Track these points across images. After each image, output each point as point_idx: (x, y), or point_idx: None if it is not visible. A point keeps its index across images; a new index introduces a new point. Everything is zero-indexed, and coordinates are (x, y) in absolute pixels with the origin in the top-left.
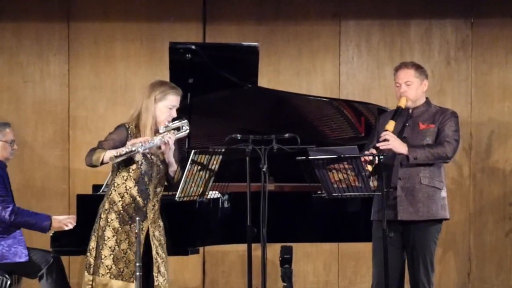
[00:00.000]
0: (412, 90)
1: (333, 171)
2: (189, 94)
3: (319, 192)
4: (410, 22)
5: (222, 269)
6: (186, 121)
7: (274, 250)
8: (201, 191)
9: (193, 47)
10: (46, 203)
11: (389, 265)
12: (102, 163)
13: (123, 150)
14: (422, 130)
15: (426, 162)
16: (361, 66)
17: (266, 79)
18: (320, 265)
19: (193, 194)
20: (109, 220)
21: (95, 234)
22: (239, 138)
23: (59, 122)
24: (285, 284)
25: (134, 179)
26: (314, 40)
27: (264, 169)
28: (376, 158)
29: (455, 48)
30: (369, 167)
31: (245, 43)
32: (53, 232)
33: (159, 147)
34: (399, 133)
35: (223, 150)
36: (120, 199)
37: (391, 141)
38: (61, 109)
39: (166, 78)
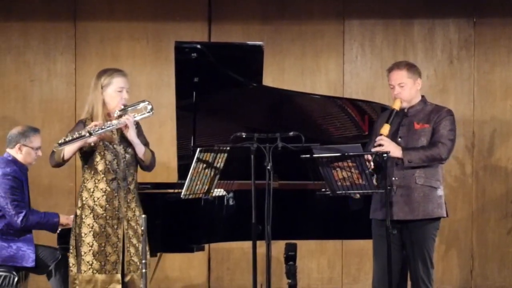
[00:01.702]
0: (406, 91)
1: (337, 169)
2: (194, 93)
3: (323, 189)
4: (413, 21)
5: (227, 266)
6: (146, 102)
7: (278, 247)
8: (206, 188)
9: (199, 46)
10: (53, 200)
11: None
12: (63, 159)
13: (68, 136)
14: (417, 130)
15: (421, 165)
16: (364, 65)
17: (271, 78)
18: (324, 262)
19: (198, 191)
20: (83, 216)
21: (73, 232)
22: (244, 136)
23: (65, 121)
24: (290, 281)
25: (100, 171)
26: (318, 39)
27: (268, 167)
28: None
29: (457, 47)
30: (371, 165)
31: (250, 43)
32: (60, 229)
33: (119, 131)
34: (394, 133)
35: (228, 148)
36: (91, 193)
37: (385, 146)
38: (67, 108)
39: (172, 77)
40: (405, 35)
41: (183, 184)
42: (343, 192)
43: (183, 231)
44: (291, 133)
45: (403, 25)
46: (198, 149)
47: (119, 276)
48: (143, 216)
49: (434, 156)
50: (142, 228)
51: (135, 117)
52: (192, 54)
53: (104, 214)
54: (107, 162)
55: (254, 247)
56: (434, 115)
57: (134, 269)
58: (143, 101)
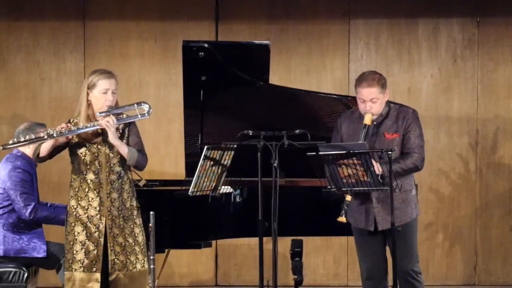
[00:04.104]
0: (377, 106)
1: (343, 166)
2: (202, 92)
3: (328, 187)
4: (418, 21)
5: (234, 262)
6: (142, 103)
7: (285, 243)
8: (213, 186)
9: (206, 45)
10: (62, 197)
11: (375, 259)
12: (38, 156)
13: (20, 138)
14: (388, 141)
15: (398, 177)
16: (370, 64)
17: (277, 77)
18: (330, 258)
19: (206, 188)
20: (68, 215)
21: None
22: (250, 134)
23: None
24: (296, 277)
25: (83, 171)
26: (324, 38)
27: (275, 165)
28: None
29: (461, 46)
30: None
31: (256, 42)
32: None
33: (102, 132)
34: None
35: (235, 145)
36: (76, 192)
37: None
38: (76, 106)
39: (180, 75)
40: (410, 35)
41: (191, 181)
42: (349, 189)
43: (190, 227)
44: (297, 131)
45: (408, 24)
46: (206, 147)
47: (98, 275)
48: (152, 212)
49: (410, 168)
50: (151, 224)
51: (121, 118)
52: (200, 53)
53: (86, 214)
54: (88, 162)
55: (261, 244)
56: (401, 122)
57: (120, 267)
58: (140, 103)
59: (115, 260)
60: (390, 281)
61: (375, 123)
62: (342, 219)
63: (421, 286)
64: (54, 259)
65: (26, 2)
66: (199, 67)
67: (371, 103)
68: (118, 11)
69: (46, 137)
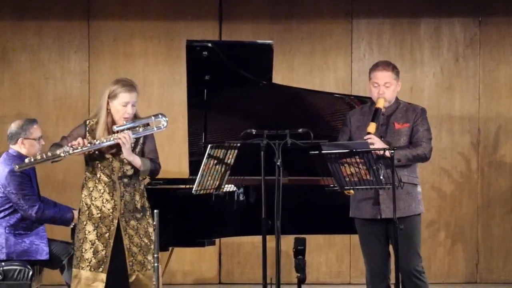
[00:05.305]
0: (390, 91)
1: (345, 165)
2: (205, 91)
3: (331, 185)
4: (420, 20)
5: (237, 260)
6: (160, 115)
7: (288, 241)
8: (217, 184)
9: (210, 45)
10: (66, 196)
11: (378, 256)
12: None
13: (32, 159)
14: (398, 130)
15: (407, 164)
16: (372, 63)
17: (280, 76)
18: (332, 257)
19: (209, 187)
20: (80, 213)
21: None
22: (254, 133)
23: (79, 118)
24: (299, 275)
25: (97, 174)
26: (327, 38)
27: (278, 163)
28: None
29: (463, 46)
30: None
31: (260, 41)
32: (73, 224)
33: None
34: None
35: (238, 144)
36: (90, 192)
37: (376, 145)
38: (81, 105)
39: (183, 75)
40: (412, 34)
41: (195, 180)
42: (351, 187)
43: (194, 226)
44: (300, 130)
45: (410, 24)
46: (209, 146)
47: (104, 275)
48: (156, 211)
49: (419, 155)
50: (155, 222)
51: (136, 132)
52: (203, 53)
53: (99, 214)
54: (101, 167)
55: (264, 242)
56: (412, 114)
57: (139, 268)
58: (157, 115)
59: (133, 260)
60: (392, 279)
61: (385, 114)
62: (350, 191)
63: (424, 285)
64: (57, 260)
65: (31, 2)
66: (202, 67)
67: (384, 88)
68: (122, 11)
69: (62, 154)
